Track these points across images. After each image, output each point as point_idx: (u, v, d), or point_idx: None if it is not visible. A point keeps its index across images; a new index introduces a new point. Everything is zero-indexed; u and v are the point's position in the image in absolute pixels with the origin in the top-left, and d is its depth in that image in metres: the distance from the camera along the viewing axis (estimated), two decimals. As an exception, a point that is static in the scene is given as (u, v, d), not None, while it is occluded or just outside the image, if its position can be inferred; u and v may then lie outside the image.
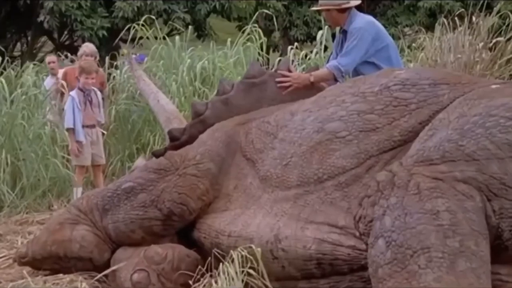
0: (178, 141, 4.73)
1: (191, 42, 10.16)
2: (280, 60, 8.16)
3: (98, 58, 8.77)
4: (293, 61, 8.84)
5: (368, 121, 3.80)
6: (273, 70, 5.05)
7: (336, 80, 5.08)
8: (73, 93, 7.29)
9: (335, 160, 3.76)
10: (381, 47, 5.37)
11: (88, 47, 8.60)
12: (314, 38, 17.02)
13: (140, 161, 5.01)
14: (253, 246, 3.74)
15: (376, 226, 3.07)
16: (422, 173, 3.09)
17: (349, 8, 5.44)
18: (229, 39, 9.52)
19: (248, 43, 9.46)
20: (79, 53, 8.64)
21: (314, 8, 5.86)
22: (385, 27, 6.04)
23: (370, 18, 5.54)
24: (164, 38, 9.44)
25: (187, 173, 4.27)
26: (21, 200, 6.88)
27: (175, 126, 4.96)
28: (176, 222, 4.26)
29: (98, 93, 7.51)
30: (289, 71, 4.88)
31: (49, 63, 9.60)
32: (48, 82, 9.28)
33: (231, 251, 3.83)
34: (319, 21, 18.93)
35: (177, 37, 9.31)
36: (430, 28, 15.55)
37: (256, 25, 9.75)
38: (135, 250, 4.23)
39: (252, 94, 4.71)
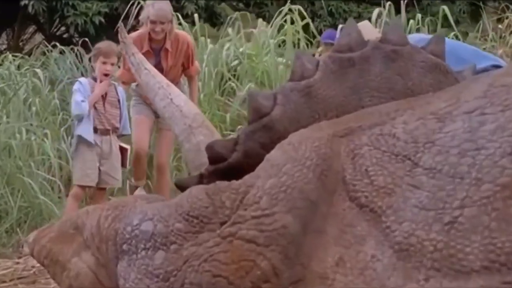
0: (225, 162, 2.94)
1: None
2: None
3: (172, 22, 6.27)
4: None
5: None
6: (379, 39, 3.27)
7: None
8: (82, 79, 5.96)
9: None
10: None
11: (154, 7, 6.07)
12: (340, 30, 15.83)
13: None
14: None
15: None
16: None
17: None
18: (259, 19, 7.86)
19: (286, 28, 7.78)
20: (141, 17, 6.40)
21: None
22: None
23: None
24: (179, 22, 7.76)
25: (238, 236, 2.50)
26: (-23, 239, 5.67)
27: (201, 139, 3.29)
28: None
29: (120, 89, 5.99)
30: (403, 42, 3.12)
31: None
32: None
33: None
34: (345, 11, 17.62)
35: (196, 16, 7.65)
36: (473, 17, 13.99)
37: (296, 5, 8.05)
38: None
39: (347, 78, 3.01)
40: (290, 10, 7.92)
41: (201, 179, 2.94)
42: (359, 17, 14.99)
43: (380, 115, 2.83)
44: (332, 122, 2.87)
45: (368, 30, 5.08)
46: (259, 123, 2.92)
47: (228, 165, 2.92)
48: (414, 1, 10.50)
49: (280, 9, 8.19)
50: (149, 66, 4.03)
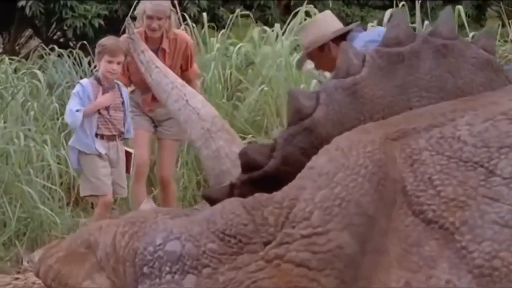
0: (260, 170, 2.66)
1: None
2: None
3: (171, 19, 5.89)
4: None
5: None
6: (427, 31, 3.02)
7: None
8: (84, 81, 5.57)
9: None
10: None
11: (151, 2, 5.72)
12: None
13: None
14: None
15: None
16: None
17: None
18: (277, 24, 7.76)
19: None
20: (137, 11, 5.99)
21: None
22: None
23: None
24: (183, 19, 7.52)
25: (286, 258, 2.24)
26: (-27, 252, 5.55)
27: (221, 144, 3.10)
28: None
29: (124, 90, 5.61)
30: (453, 35, 2.91)
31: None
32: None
33: None
34: (348, 15, 17.45)
35: (204, 15, 7.48)
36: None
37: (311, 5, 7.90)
38: None
39: (395, 75, 2.76)
40: (306, 12, 7.75)
41: (232, 190, 2.65)
42: (361, 21, 14.79)
43: (434, 116, 2.55)
44: (379, 123, 2.58)
45: (330, 20, 4.87)
46: (299, 126, 2.63)
47: (263, 174, 2.62)
48: (427, 2, 10.28)
49: (297, 10, 7.99)
50: (160, 64, 3.72)
